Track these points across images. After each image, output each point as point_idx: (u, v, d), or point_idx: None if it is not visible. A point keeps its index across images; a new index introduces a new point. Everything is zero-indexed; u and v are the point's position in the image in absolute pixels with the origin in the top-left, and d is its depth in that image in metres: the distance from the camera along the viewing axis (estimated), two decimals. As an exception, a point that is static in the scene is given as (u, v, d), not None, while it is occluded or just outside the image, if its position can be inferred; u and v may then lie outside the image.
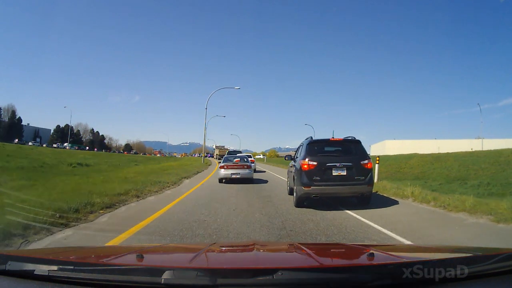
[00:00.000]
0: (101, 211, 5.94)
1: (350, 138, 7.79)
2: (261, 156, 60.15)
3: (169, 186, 10.80)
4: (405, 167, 31.81)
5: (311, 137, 8.01)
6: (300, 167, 7.11)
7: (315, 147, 7.52)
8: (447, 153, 34.11)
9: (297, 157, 8.31)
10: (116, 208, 6.38)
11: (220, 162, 16.18)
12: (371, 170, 7.22)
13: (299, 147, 8.74)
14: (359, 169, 6.96)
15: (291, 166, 9.12)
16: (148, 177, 12.41)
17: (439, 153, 36.82)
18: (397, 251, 2.17)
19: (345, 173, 6.89)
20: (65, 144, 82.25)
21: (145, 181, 10.90)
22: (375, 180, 10.88)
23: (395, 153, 37.47)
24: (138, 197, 7.87)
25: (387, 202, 7.81)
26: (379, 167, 11.66)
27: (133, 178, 12.03)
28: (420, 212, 6.48)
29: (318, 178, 6.83)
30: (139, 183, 10.14)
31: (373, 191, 8.81)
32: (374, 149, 77.41)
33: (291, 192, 8.60)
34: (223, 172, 13.07)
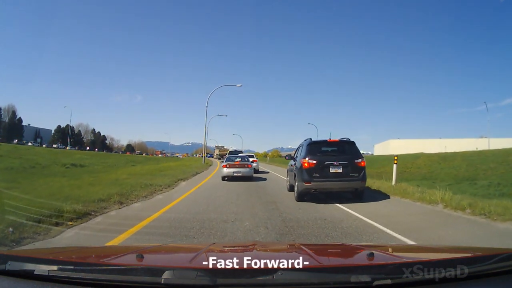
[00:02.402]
0: (70, 223, 4.89)
1: (345, 139, 8.50)
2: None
3: (161, 190, 9.72)
4: (412, 167, 30.70)
5: (310, 139, 8.75)
6: (301, 165, 7.79)
7: (314, 147, 8.20)
8: (454, 152, 33.01)
9: (297, 157, 8.93)
10: (90, 219, 5.31)
11: (222, 162, 17.02)
12: (364, 168, 7.85)
13: (298, 147, 9.32)
14: (354, 167, 7.68)
15: (291, 165, 9.75)
16: (140, 179, 11.52)
17: (446, 152, 35.66)
18: (397, 251, 2.12)
19: (341, 171, 7.59)
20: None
21: (135, 183, 9.92)
22: (393, 182, 9.78)
23: (400, 153, 36.25)
24: (121, 203, 6.78)
25: (417, 210, 6.76)
26: (397, 168, 10.36)
27: (124, 180, 11.23)
28: (462, 224, 5.29)
29: (317, 175, 7.54)
30: (129, 186, 9.15)
31: (396, 196, 8.20)
32: (378, 149, 75.91)
33: (291, 189, 9.18)
34: (225, 171, 13.66)
